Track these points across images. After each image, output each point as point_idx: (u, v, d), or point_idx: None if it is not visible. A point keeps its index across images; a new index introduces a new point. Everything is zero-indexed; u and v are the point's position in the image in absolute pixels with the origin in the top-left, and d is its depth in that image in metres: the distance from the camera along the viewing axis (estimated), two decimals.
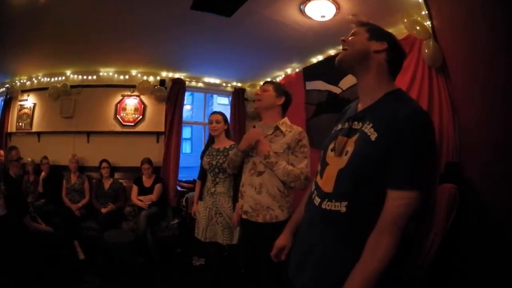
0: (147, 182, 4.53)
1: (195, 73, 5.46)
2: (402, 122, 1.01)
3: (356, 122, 1.19)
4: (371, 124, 1.10)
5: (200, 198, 2.94)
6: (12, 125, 5.52)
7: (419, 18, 2.87)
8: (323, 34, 3.48)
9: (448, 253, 2.14)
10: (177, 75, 5.34)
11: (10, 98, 5.58)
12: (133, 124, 5.22)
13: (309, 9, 3.01)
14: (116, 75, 5.21)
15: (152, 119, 5.29)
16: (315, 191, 1.27)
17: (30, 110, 5.39)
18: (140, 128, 5.26)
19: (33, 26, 3.42)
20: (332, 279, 1.06)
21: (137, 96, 5.24)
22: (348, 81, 3.61)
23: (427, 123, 1.04)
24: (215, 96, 8.53)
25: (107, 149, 5.03)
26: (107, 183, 4.58)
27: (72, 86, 5.17)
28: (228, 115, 3.24)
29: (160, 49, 4.30)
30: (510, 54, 1.56)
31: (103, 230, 3.77)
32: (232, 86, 5.86)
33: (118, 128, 5.20)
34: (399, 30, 3.02)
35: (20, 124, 5.44)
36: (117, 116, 5.18)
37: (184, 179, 5.48)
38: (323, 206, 1.17)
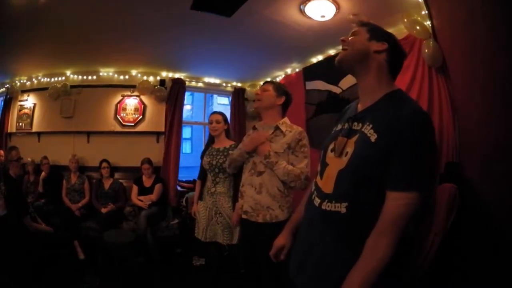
0: (147, 182, 4.53)
1: (195, 73, 5.46)
2: (403, 122, 1.01)
3: (356, 123, 1.19)
4: (371, 125, 1.10)
5: (200, 198, 2.94)
6: (12, 125, 5.52)
7: (419, 18, 2.87)
8: (323, 34, 3.48)
9: (448, 253, 2.14)
10: (177, 75, 5.34)
11: (10, 98, 5.58)
12: (133, 124, 5.22)
13: (309, 9, 3.01)
14: (116, 75, 5.21)
15: (152, 119, 5.29)
16: (315, 192, 1.27)
17: (30, 110, 5.39)
18: (140, 128, 5.26)
19: (33, 26, 3.42)
20: (332, 279, 1.06)
21: (137, 96, 5.24)
22: (348, 81, 3.61)
23: (427, 124, 1.05)
24: (215, 96, 8.54)
25: (107, 149, 5.03)
26: (107, 183, 4.58)
27: (72, 86, 5.17)
28: (228, 115, 3.24)
29: (160, 49, 4.30)
30: (510, 54, 1.56)
31: (103, 230, 3.77)
32: (232, 86, 5.86)
33: (118, 128, 5.20)
34: (399, 30, 3.02)
35: (20, 124, 5.44)
36: (117, 116, 5.18)
37: (184, 179, 5.48)
38: (323, 207, 1.17)
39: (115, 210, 4.32)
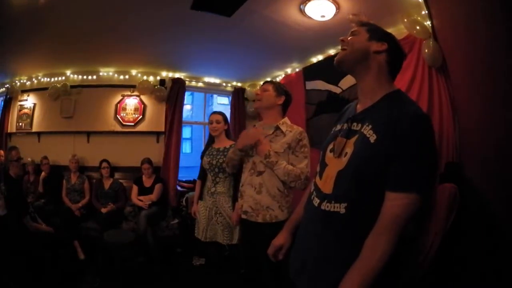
0: (147, 182, 4.53)
1: (195, 73, 5.46)
2: (403, 124, 1.01)
3: (355, 123, 1.19)
4: (370, 126, 1.10)
5: (200, 198, 2.95)
6: (12, 125, 5.53)
7: (419, 18, 2.87)
8: (323, 34, 3.48)
9: (448, 253, 2.14)
10: (177, 75, 5.34)
11: (10, 98, 5.58)
12: (133, 124, 5.22)
13: (309, 9, 3.01)
14: (116, 75, 5.21)
15: (152, 119, 5.29)
16: (314, 192, 1.27)
17: (30, 110, 5.39)
18: (140, 128, 5.26)
19: (33, 26, 3.41)
20: (332, 279, 1.06)
21: (137, 96, 5.24)
22: (348, 81, 3.62)
23: (428, 126, 1.05)
24: (215, 96, 8.52)
25: (107, 149, 5.04)
26: (107, 183, 4.58)
27: (72, 86, 5.17)
28: (228, 115, 3.24)
29: (160, 49, 4.30)
30: (510, 54, 1.56)
31: (103, 230, 3.77)
32: (232, 86, 5.86)
33: (118, 128, 5.20)
34: (399, 30, 3.02)
35: (20, 124, 5.45)
36: (117, 116, 5.18)
37: (184, 179, 5.48)
38: (322, 207, 1.17)
39: (115, 210, 4.32)
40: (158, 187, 4.46)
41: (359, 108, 1.25)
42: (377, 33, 1.22)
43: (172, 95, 5.19)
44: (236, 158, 2.34)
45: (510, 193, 1.76)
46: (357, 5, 2.91)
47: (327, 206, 1.15)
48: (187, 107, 13.75)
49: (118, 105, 5.20)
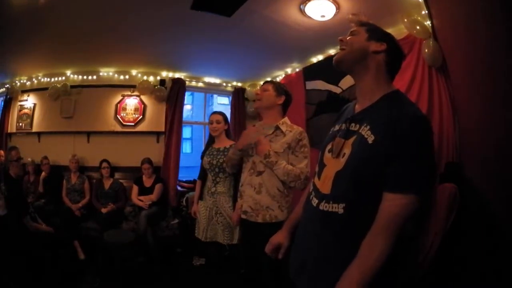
0: (147, 182, 4.53)
1: (195, 73, 5.46)
2: (403, 125, 1.01)
3: (353, 124, 1.19)
4: (368, 127, 1.10)
5: (201, 198, 2.95)
6: (12, 126, 5.52)
7: (419, 18, 2.87)
8: (323, 34, 3.48)
9: (448, 253, 2.14)
10: (177, 75, 5.34)
11: (10, 98, 5.58)
12: (133, 124, 5.21)
13: (309, 9, 3.01)
14: (116, 75, 5.21)
15: (152, 119, 5.29)
16: (313, 192, 1.27)
17: (30, 110, 5.39)
18: (140, 128, 5.26)
19: (33, 26, 3.41)
20: (332, 278, 1.06)
21: (137, 96, 5.23)
22: (348, 80, 3.61)
23: (427, 127, 1.05)
24: (215, 96, 8.52)
25: (107, 149, 5.03)
26: (107, 183, 4.58)
27: (72, 86, 5.17)
28: (228, 115, 3.24)
29: (160, 49, 4.29)
30: (510, 54, 1.56)
31: (104, 230, 3.77)
32: (232, 86, 5.86)
33: (118, 128, 5.20)
34: (399, 30, 3.02)
35: (20, 124, 5.44)
36: (117, 116, 5.18)
37: (184, 179, 5.48)
38: (320, 207, 1.17)
39: (115, 210, 4.32)
40: (158, 187, 4.46)
41: (358, 108, 1.25)
42: (376, 33, 1.22)
43: (172, 95, 5.19)
44: (235, 158, 2.34)
45: (510, 193, 1.76)
46: (357, 5, 2.91)
47: (326, 207, 1.15)
48: (187, 107, 13.74)
49: (118, 105, 5.20)
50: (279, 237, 1.54)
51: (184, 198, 4.79)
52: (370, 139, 1.07)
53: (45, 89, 5.23)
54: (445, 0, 2.47)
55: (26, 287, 2.93)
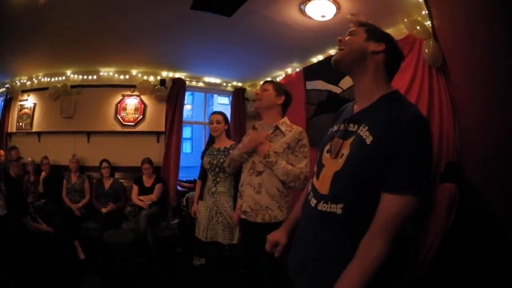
0: (147, 182, 4.53)
1: (195, 72, 5.46)
2: (403, 125, 1.01)
3: (352, 124, 1.18)
4: (366, 127, 1.10)
5: (201, 197, 2.95)
6: (12, 125, 5.52)
7: (419, 18, 2.87)
8: (323, 34, 3.48)
9: (448, 253, 2.14)
10: (177, 75, 5.33)
11: (10, 98, 5.58)
12: (133, 124, 5.22)
13: (309, 9, 3.01)
14: (116, 75, 5.21)
15: (152, 119, 5.29)
16: (311, 192, 1.27)
17: (30, 110, 5.40)
18: (140, 128, 5.26)
19: (33, 26, 3.41)
20: (332, 279, 1.06)
21: (137, 96, 5.23)
22: (348, 81, 3.61)
23: (427, 128, 1.05)
24: (215, 95, 8.52)
25: (107, 149, 5.03)
26: (107, 183, 4.58)
27: (72, 86, 5.17)
28: (228, 115, 3.24)
29: (160, 49, 4.30)
30: (510, 54, 1.56)
31: (104, 230, 3.77)
32: (232, 86, 5.86)
33: (119, 128, 5.20)
34: (399, 30, 3.02)
35: (20, 124, 5.45)
36: (118, 116, 5.18)
37: (184, 179, 5.48)
38: (319, 208, 1.17)
39: (115, 210, 4.32)
40: (158, 187, 4.46)
41: (356, 108, 1.24)
42: (375, 33, 1.22)
43: (172, 95, 5.19)
44: (241, 161, 2.33)
45: (510, 193, 1.76)
46: (357, 5, 2.91)
47: (324, 207, 1.15)
48: (187, 107, 13.74)
49: (119, 105, 5.20)
50: (277, 235, 1.53)
51: (184, 198, 4.79)
52: (369, 139, 1.07)
53: (45, 89, 5.23)
54: (445, 0, 2.47)
55: (26, 287, 2.93)
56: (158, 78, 5.28)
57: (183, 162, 5.32)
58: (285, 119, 2.25)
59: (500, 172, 1.88)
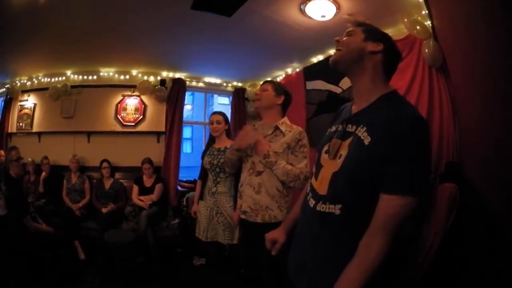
0: (147, 182, 4.53)
1: (195, 73, 5.46)
2: (403, 125, 1.01)
3: (350, 125, 1.18)
4: (364, 128, 1.10)
5: (201, 197, 2.95)
6: (12, 126, 5.53)
7: (419, 18, 2.87)
8: (324, 34, 3.47)
9: (448, 253, 2.14)
10: (177, 75, 5.34)
11: (11, 99, 5.58)
12: (133, 124, 5.22)
13: (310, 9, 3.01)
14: (116, 75, 5.21)
15: (152, 119, 5.29)
16: (310, 193, 1.27)
17: (31, 110, 5.40)
18: (140, 128, 5.26)
19: (33, 26, 3.41)
20: (332, 279, 1.06)
21: (137, 96, 5.24)
22: (348, 81, 3.59)
23: (426, 129, 1.05)
24: (215, 96, 8.53)
25: (107, 149, 5.04)
26: (107, 183, 4.58)
27: (72, 86, 5.17)
28: (228, 115, 3.24)
29: (160, 49, 4.30)
30: (510, 54, 1.56)
31: (104, 230, 3.77)
32: (232, 86, 5.86)
33: (119, 128, 5.20)
34: (399, 30, 3.03)
35: (21, 124, 5.45)
36: (118, 116, 5.18)
37: (184, 179, 5.49)
38: (317, 208, 1.17)
39: (115, 210, 4.32)
40: (158, 187, 4.47)
41: (354, 109, 1.24)
42: (373, 33, 1.22)
43: (172, 95, 5.20)
44: (234, 158, 2.35)
45: (510, 193, 1.76)
46: (358, 5, 2.91)
47: (323, 207, 1.15)
48: (187, 107, 13.75)
49: (119, 105, 5.20)
50: (275, 234, 1.53)
51: (185, 198, 4.79)
52: (367, 140, 1.07)
53: (46, 89, 5.24)
54: (445, 0, 2.47)
55: (26, 287, 2.93)
56: (158, 78, 5.28)
57: (183, 162, 5.32)
58: (285, 119, 2.25)
59: (500, 172, 1.88)
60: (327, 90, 4.13)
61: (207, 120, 3.40)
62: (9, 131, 5.52)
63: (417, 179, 1.01)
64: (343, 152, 1.14)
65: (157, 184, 4.49)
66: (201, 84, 5.67)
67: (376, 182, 1.03)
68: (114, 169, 4.74)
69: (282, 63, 4.84)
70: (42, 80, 5.39)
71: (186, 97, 5.47)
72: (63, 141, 5.20)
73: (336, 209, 1.11)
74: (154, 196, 4.38)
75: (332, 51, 4.04)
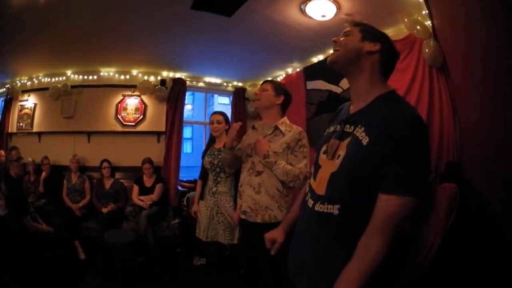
0: (148, 182, 4.53)
1: (195, 72, 5.46)
2: (402, 125, 1.01)
3: (348, 125, 1.18)
4: (363, 128, 1.10)
5: (201, 197, 2.95)
6: (12, 126, 5.53)
7: (419, 18, 2.87)
8: (324, 34, 3.46)
9: (448, 253, 2.14)
10: (177, 75, 5.34)
11: (11, 99, 5.58)
12: (134, 124, 5.22)
13: (310, 9, 3.01)
14: (116, 75, 5.21)
15: (153, 119, 5.29)
16: (308, 193, 1.27)
17: (31, 110, 5.40)
18: (141, 128, 5.27)
19: (33, 26, 3.42)
20: (332, 279, 1.06)
21: (137, 96, 5.24)
22: None
23: (425, 129, 1.05)
24: (215, 95, 8.54)
25: (108, 149, 5.04)
26: (108, 183, 4.58)
27: (72, 86, 5.17)
28: (229, 115, 3.24)
29: (161, 49, 4.30)
30: (510, 54, 1.56)
31: (104, 230, 3.77)
32: (232, 86, 5.86)
33: (119, 128, 5.20)
34: (399, 30, 3.03)
35: (21, 124, 5.45)
36: (118, 116, 5.18)
37: (185, 179, 5.48)
38: (316, 208, 1.17)
39: (115, 210, 4.32)
40: (159, 187, 4.47)
41: (352, 109, 1.24)
42: (370, 33, 1.21)
43: (172, 95, 5.19)
44: (228, 157, 2.36)
45: (510, 193, 1.75)
46: (358, 5, 2.90)
47: (321, 208, 1.15)
48: (188, 107, 13.76)
49: (119, 105, 5.20)
50: (274, 233, 1.53)
51: (185, 198, 4.78)
52: (365, 140, 1.07)
53: (46, 89, 5.24)
54: (445, 0, 2.47)
55: (26, 287, 2.93)
56: (159, 78, 5.28)
57: (183, 162, 5.33)
58: (285, 119, 2.24)
59: (500, 172, 1.88)
60: (328, 90, 4.13)
61: (207, 120, 3.40)
62: (9, 131, 5.52)
63: (416, 179, 1.01)
64: (341, 152, 1.14)
65: (157, 184, 4.49)
66: (201, 84, 5.67)
67: (374, 182, 1.03)
68: (114, 169, 4.74)
69: (282, 63, 4.84)
70: (42, 80, 5.39)
71: (186, 97, 5.47)
72: (63, 141, 5.20)
73: (334, 209, 1.11)
74: (154, 196, 4.38)
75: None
